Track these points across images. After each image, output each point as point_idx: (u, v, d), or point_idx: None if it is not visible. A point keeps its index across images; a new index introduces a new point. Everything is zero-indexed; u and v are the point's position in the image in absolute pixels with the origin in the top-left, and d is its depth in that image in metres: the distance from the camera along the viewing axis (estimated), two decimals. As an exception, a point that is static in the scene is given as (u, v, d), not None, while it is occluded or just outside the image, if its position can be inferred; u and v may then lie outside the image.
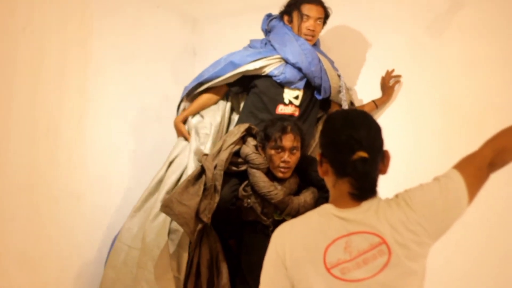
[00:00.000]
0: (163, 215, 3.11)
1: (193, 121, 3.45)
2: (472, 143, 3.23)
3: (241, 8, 4.02)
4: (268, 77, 3.31)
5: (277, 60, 3.30)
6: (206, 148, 3.29)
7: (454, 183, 1.64)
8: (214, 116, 3.43)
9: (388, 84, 3.55)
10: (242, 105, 3.52)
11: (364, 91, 3.67)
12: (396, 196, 1.67)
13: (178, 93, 3.56)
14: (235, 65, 3.32)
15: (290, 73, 3.27)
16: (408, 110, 3.52)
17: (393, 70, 3.55)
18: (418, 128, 3.46)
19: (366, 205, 1.64)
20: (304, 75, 3.29)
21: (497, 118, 3.28)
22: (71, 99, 3.24)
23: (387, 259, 1.56)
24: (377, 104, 3.54)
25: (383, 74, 3.58)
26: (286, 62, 3.29)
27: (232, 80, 3.37)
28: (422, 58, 3.50)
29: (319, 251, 1.59)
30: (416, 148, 3.45)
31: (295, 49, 3.26)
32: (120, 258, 3.19)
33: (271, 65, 3.30)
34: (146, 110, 3.79)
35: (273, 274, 1.64)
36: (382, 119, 3.59)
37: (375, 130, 1.70)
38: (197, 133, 3.39)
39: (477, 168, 1.68)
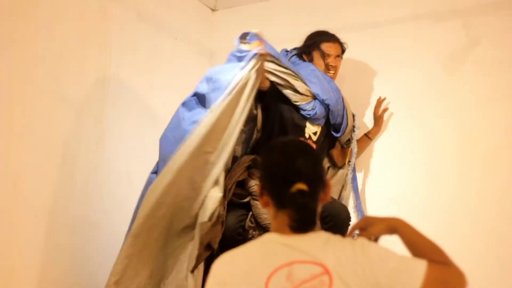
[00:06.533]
0: None
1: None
2: (487, 179, 3.27)
3: (257, 42, 4.05)
4: (294, 107, 3.22)
5: (309, 95, 3.21)
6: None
7: (414, 266, 1.55)
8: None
9: (378, 114, 3.58)
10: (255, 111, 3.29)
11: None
12: (355, 239, 1.63)
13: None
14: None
15: (319, 110, 3.24)
16: (423, 145, 3.51)
17: (384, 99, 3.57)
18: (434, 164, 3.45)
19: (314, 235, 1.62)
20: (328, 113, 3.28)
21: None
22: (88, 128, 3.26)
23: None
24: (370, 137, 3.56)
25: (399, 109, 3.59)
26: (315, 97, 3.24)
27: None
28: (438, 94, 3.51)
29: (261, 281, 1.55)
30: (432, 183, 3.43)
31: (324, 86, 3.25)
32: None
33: (304, 99, 3.20)
34: (163, 140, 3.79)
35: None
36: (398, 153, 3.58)
37: (314, 160, 1.69)
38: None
39: (441, 281, 1.55)
